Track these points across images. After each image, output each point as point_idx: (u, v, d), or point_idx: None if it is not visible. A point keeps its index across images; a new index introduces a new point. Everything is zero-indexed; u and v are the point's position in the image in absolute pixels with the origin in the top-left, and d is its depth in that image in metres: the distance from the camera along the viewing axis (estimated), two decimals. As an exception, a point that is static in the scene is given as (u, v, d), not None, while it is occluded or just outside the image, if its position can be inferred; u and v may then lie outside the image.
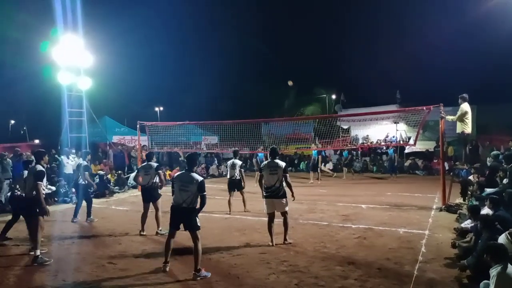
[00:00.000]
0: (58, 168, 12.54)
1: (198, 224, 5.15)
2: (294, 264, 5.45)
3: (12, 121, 45.01)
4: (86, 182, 8.77)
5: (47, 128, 27.19)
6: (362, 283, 4.75)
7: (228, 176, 9.71)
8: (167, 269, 5.23)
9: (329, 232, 7.30)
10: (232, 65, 41.55)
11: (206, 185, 5.19)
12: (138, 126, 14.36)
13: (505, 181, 6.99)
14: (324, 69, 40.90)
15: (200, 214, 5.22)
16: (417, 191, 12.62)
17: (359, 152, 21.09)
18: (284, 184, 6.40)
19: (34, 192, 5.79)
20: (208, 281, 4.91)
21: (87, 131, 14.88)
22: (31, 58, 24.08)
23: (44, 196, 6.00)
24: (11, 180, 10.81)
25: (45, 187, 6.26)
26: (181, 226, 5.22)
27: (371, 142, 19.92)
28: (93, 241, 7.04)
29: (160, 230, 7.28)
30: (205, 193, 5.10)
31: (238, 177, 9.41)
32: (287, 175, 6.41)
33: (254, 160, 17.62)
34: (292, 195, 6.48)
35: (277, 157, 6.64)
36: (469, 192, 9.16)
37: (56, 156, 14.14)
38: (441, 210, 9.13)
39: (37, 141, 27.63)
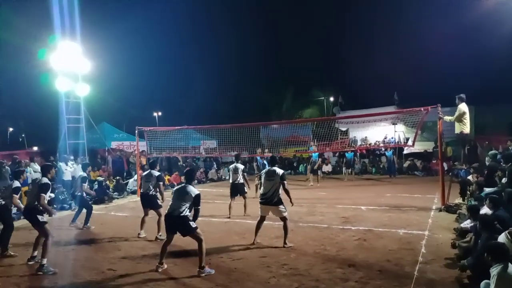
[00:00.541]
0: (57, 174, 12.48)
1: (193, 226, 5.29)
2: (294, 267, 5.44)
3: (11, 129, 45.00)
4: (84, 194, 8.79)
5: (45, 135, 27.23)
6: (363, 285, 4.74)
7: (230, 181, 9.72)
8: (160, 270, 5.43)
9: (329, 234, 7.30)
10: (230, 69, 41.75)
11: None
12: (136, 131, 14.35)
13: (504, 180, 7.00)
14: (322, 72, 41.13)
15: (199, 219, 5.29)
16: (416, 192, 12.63)
17: (358, 153, 21.09)
18: (280, 191, 6.53)
19: (35, 203, 5.80)
20: (209, 286, 4.90)
21: (86, 137, 14.87)
22: (29, 64, 24.16)
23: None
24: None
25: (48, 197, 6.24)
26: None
27: (369, 144, 19.93)
28: (92, 247, 7.02)
29: (160, 235, 7.29)
30: (199, 207, 5.39)
31: (240, 181, 9.43)
32: (285, 182, 6.54)
33: (254, 164, 17.61)
34: (290, 201, 6.64)
35: (276, 165, 6.87)
36: (468, 192, 9.17)
37: (55, 162, 14.10)
38: (440, 210, 9.13)
39: (35, 148, 27.60)
